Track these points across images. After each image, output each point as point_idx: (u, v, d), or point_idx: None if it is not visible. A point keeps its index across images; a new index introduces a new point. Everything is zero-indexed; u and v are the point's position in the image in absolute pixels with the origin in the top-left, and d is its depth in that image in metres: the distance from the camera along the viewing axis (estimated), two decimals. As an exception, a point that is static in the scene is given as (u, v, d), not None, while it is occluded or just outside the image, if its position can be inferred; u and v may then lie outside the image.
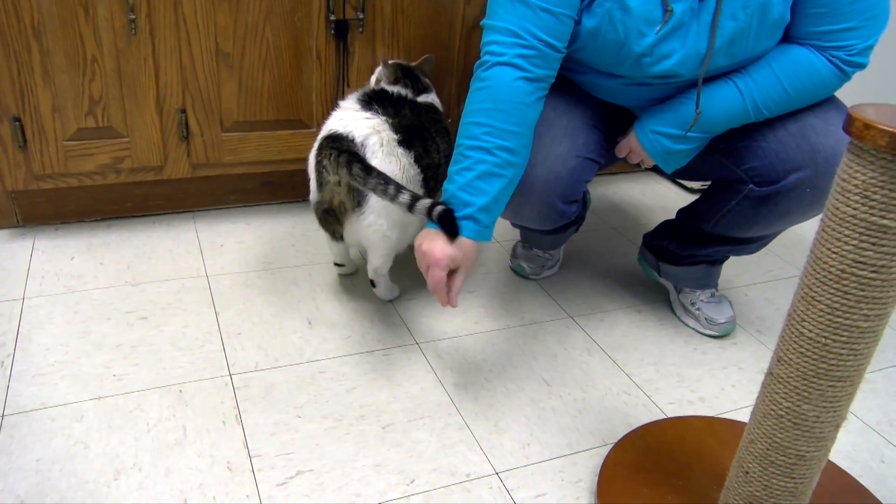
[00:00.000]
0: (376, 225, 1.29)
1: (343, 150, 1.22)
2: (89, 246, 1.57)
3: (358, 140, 1.26)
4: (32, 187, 1.52)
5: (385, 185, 1.17)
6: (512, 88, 1.09)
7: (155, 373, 1.22)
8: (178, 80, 1.51)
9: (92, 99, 1.46)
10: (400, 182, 1.20)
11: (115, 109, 1.49)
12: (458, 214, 1.09)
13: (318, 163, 1.28)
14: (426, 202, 1.13)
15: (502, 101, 1.09)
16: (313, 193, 1.34)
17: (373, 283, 1.45)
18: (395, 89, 1.40)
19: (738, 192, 1.26)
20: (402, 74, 1.46)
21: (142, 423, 1.11)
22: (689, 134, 1.20)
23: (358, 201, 1.26)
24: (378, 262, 1.38)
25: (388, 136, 1.29)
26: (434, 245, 1.09)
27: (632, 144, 1.27)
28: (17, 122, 1.43)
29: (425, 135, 1.36)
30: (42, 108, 1.44)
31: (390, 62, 1.47)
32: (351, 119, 1.29)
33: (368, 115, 1.30)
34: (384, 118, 1.30)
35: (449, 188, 1.12)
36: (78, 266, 1.49)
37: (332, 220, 1.32)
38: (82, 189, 1.62)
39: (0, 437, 1.06)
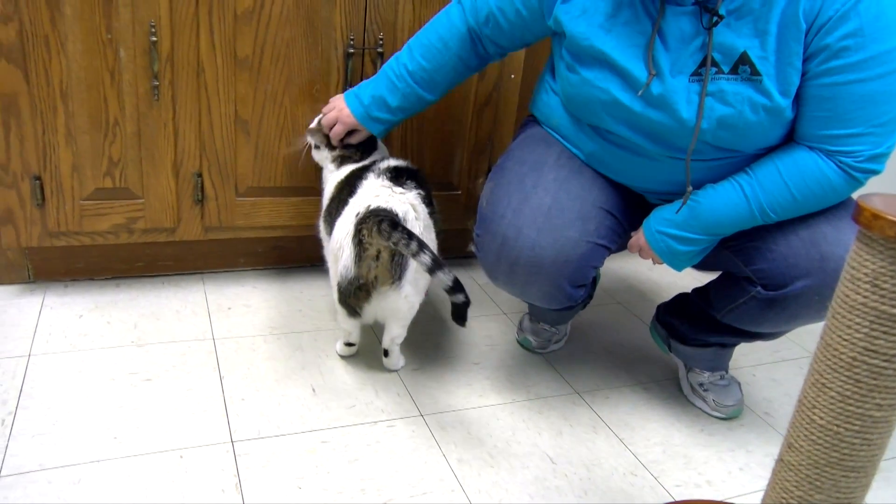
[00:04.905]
0: (412, 296, 1.31)
1: (383, 220, 1.24)
2: (97, 304, 1.57)
3: (400, 215, 1.26)
4: (46, 244, 1.54)
5: (408, 241, 1.20)
6: (451, 25, 1.33)
7: (156, 437, 1.20)
8: (196, 144, 1.54)
9: (111, 160, 1.50)
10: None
11: (133, 171, 1.52)
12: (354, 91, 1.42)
13: (358, 238, 1.26)
14: (448, 279, 1.21)
15: (432, 30, 1.35)
16: (347, 270, 1.28)
17: (385, 353, 1.45)
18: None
19: (745, 291, 1.25)
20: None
21: (139, 489, 1.09)
22: (694, 236, 1.20)
23: (399, 274, 1.27)
24: (399, 331, 1.40)
25: (423, 209, 1.33)
26: (346, 110, 1.42)
27: (641, 243, 1.28)
28: (38, 181, 1.46)
29: (433, 205, 1.40)
30: (62, 168, 1.47)
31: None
32: (387, 195, 1.30)
33: (402, 189, 1.32)
34: (417, 191, 1.34)
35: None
36: (85, 324, 1.49)
37: (362, 295, 1.30)
38: (94, 247, 1.64)
39: (-5, 498, 1.05)
